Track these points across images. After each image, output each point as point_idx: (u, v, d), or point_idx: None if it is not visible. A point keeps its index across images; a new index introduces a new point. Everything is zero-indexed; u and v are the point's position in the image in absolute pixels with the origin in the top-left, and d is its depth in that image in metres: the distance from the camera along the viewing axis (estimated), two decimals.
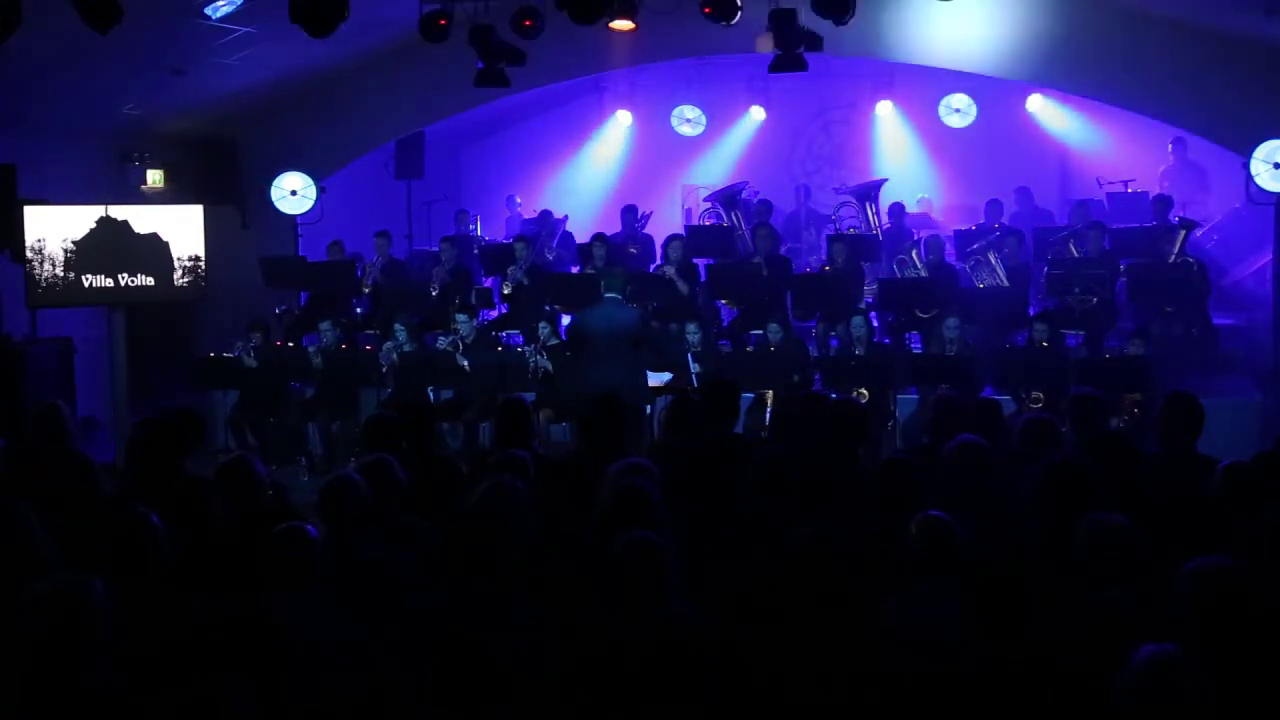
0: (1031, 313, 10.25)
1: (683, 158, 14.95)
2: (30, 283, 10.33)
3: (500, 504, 4.35)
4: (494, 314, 11.84)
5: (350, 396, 10.30)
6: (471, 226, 13.49)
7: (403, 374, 10.06)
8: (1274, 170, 10.14)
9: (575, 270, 11.95)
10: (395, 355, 10.11)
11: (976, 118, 13.69)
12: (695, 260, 11.44)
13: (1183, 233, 10.67)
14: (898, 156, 14.21)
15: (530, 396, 8.40)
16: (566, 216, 13.71)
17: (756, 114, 14.64)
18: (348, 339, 10.97)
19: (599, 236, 11.68)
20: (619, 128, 15.15)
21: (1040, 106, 13.76)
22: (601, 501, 4.57)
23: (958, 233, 12.02)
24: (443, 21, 9.24)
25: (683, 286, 11.05)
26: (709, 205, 13.54)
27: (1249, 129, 10.42)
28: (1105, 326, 10.47)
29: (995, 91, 13.35)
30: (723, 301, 11.55)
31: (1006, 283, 10.80)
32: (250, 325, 10.48)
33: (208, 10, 9.25)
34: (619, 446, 5.68)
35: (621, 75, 13.88)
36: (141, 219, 10.84)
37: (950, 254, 11.60)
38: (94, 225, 10.60)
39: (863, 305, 10.64)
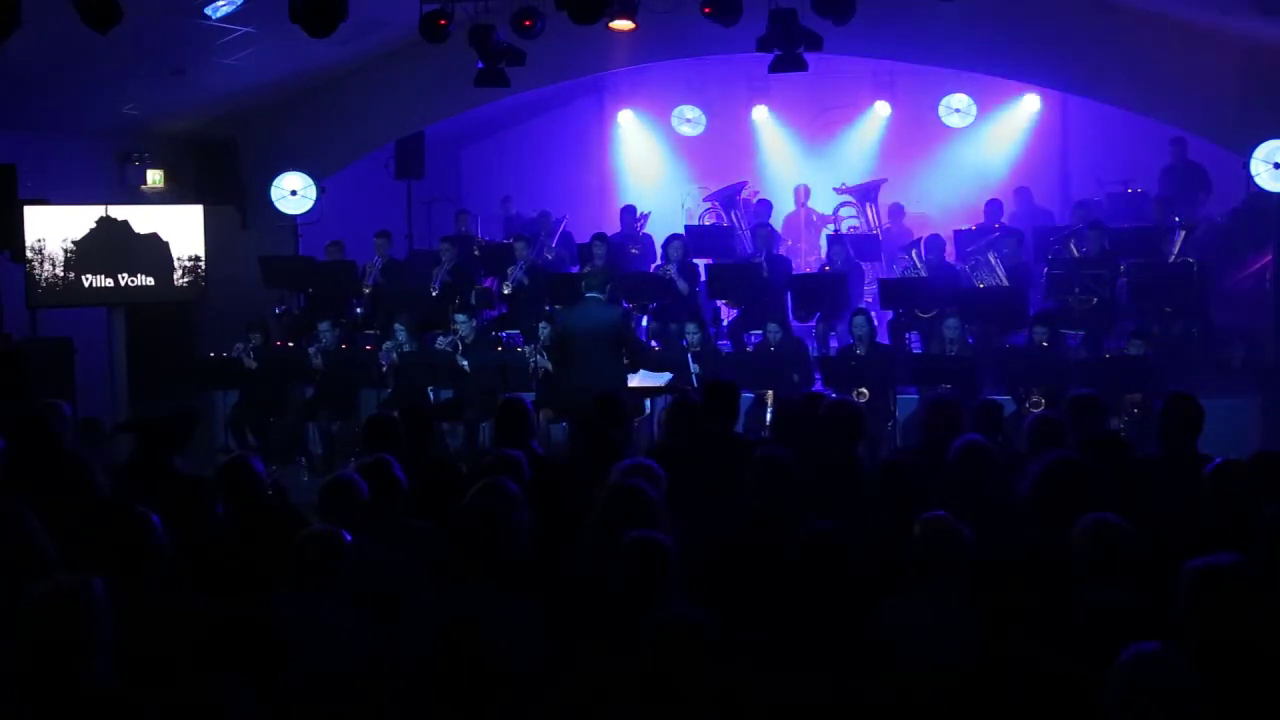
0: (1031, 313, 10.24)
1: (683, 158, 14.96)
2: (30, 283, 10.33)
3: (492, 503, 4.35)
4: (494, 314, 11.84)
5: (350, 396, 10.30)
6: (471, 226, 13.49)
7: (403, 374, 10.06)
8: (1274, 170, 10.13)
9: (575, 270, 11.95)
10: (395, 355, 10.11)
11: (976, 118, 13.70)
12: (695, 260, 11.44)
13: (1183, 233, 10.67)
14: (897, 156, 14.20)
15: (530, 396, 8.40)
16: (566, 216, 13.70)
17: (757, 114, 14.64)
18: (348, 339, 10.97)
19: (599, 236, 11.68)
20: (619, 128, 15.15)
21: (1038, 107, 13.76)
22: (599, 501, 4.57)
23: (958, 233, 12.02)
24: (443, 21, 9.24)
25: (683, 286, 11.05)
26: (709, 205, 13.53)
27: (1249, 129, 10.42)
28: (1105, 326, 10.46)
29: (995, 91, 13.35)
30: (723, 301, 11.54)
31: (1006, 283, 10.80)
32: (250, 326, 10.48)
33: (208, 10, 9.25)
34: (615, 446, 5.67)
35: (621, 75, 13.88)
36: (141, 219, 10.84)
37: (950, 254, 11.59)
38: (94, 225, 10.61)
39: (863, 305, 10.64)
